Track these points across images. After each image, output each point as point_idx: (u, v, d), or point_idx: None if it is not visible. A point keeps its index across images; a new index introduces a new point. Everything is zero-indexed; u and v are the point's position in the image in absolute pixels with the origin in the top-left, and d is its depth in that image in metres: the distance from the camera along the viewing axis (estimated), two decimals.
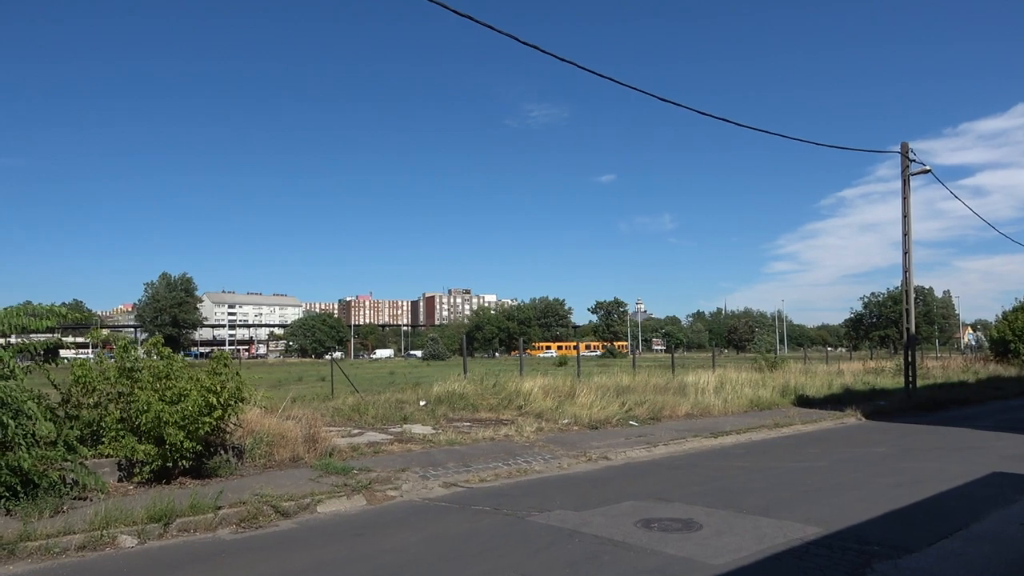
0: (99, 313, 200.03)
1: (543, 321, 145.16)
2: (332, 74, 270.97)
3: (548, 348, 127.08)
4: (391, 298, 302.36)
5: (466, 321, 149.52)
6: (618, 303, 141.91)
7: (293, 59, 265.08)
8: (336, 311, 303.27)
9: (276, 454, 10.58)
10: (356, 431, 14.05)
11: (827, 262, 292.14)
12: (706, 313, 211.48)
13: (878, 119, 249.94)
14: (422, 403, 18.53)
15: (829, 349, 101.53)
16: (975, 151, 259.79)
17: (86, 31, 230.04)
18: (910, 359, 22.56)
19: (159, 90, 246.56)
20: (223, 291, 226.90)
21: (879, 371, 31.36)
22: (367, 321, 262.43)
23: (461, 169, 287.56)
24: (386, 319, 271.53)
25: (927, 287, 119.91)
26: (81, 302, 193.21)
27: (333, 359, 26.18)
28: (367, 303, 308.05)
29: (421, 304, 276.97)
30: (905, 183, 22.84)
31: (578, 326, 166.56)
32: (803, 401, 20.58)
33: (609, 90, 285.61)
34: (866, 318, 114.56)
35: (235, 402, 9.92)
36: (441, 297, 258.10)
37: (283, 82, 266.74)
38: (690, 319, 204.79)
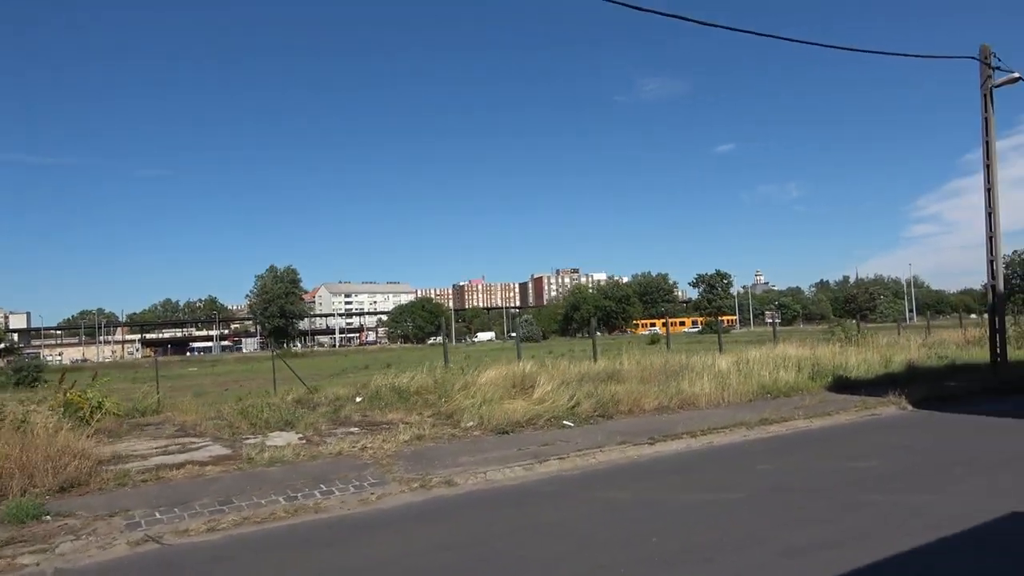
0: (231, 307, 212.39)
1: (647, 297, 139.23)
2: (434, 59, 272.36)
3: (652, 325, 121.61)
4: (503, 281, 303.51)
5: (561, 301, 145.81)
6: (721, 275, 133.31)
7: (392, 46, 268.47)
8: (450, 296, 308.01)
9: None
10: (199, 443, 11.40)
11: (975, 222, 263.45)
12: (831, 283, 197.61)
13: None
14: (358, 399, 15.88)
15: (973, 316, 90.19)
16: None
17: (183, 28, 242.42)
18: (997, 325, 17.43)
19: (275, 87, 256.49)
20: (339, 281, 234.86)
21: (982, 341, 25.52)
22: (480, 304, 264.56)
23: (570, 147, 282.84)
24: (498, 302, 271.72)
25: None
26: (215, 298, 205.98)
27: (274, 352, 23.90)
28: (479, 286, 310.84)
29: (530, 285, 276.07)
30: (986, 98, 17.58)
31: (689, 301, 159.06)
32: (840, 384, 16.11)
33: (724, 58, 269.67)
34: (1010, 279, 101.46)
35: None
36: (549, 278, 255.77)
37: (389, 72, 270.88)
38: (813, 289, 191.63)
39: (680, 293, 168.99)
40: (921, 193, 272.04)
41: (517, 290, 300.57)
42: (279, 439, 11.40)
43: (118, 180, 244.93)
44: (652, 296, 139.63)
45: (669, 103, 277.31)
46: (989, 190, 17.55)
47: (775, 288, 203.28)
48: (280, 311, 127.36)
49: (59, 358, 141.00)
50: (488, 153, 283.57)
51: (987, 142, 17.58)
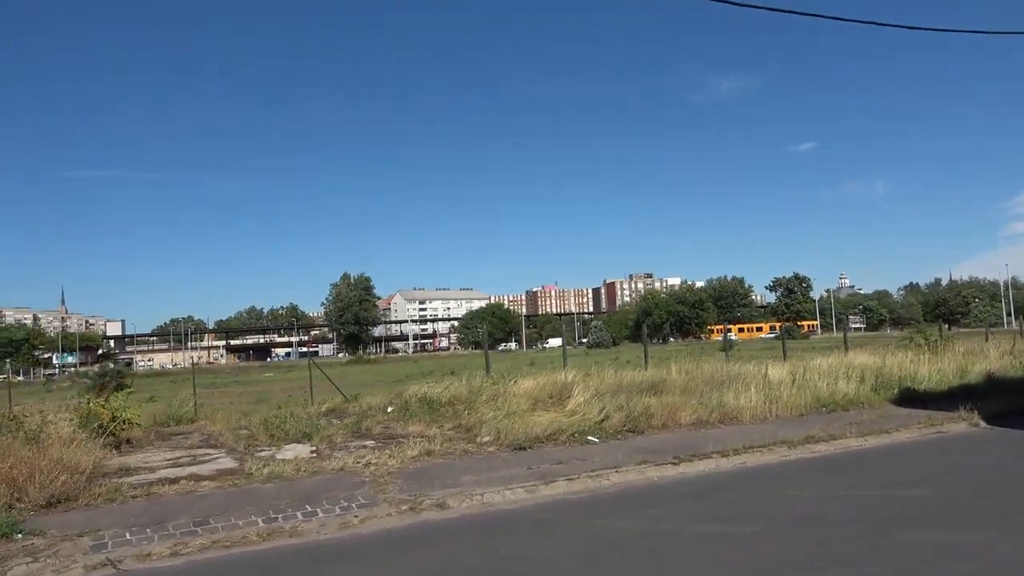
0: (311, 314, 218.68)
1: (722, 302, 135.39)
2: (506, 60, 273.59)
3: (728, 330, 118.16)
4: (576, 286, 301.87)
5: (632, 306, 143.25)
6: (800, 279, 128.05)
7: (470, 50, 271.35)
8: (523, 302, 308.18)
9: None
10: (212, 455, 11.18)
11: None
12: (922, 285, 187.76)
13: None
14: (389, 409, 15.56)
15: None
16: None
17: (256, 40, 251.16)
18: None
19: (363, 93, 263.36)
20: (414, 288, 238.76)
21: None
22: (553, 310, 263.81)
23: (644, 148, 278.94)
24: (571, 307, 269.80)
25: None
26: (296, 305, 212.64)
27: (311, 361, 23.72)
28: (552, 292, 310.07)
29: (603, 291, 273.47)
30: None
31: (766, 305, 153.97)
32: (907, 397, 14.65)
33: (804, 53, 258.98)
34: None
35: None
36: (622, 283, 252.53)
37: (461, 76, 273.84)
38: (902, 292, 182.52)
39: (758, 298, 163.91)
40: (1020, 188, 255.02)
41: (590, 295, 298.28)
42: (290, 452, 11.04)
43: (202, 190, 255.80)
44: (727, 301, 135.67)
45: (744, 102, 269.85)
46: None
47: (861, 292, 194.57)
48: (354, 318, 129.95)
49: (150, 363, 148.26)
50: (562, 155, 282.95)
51: None
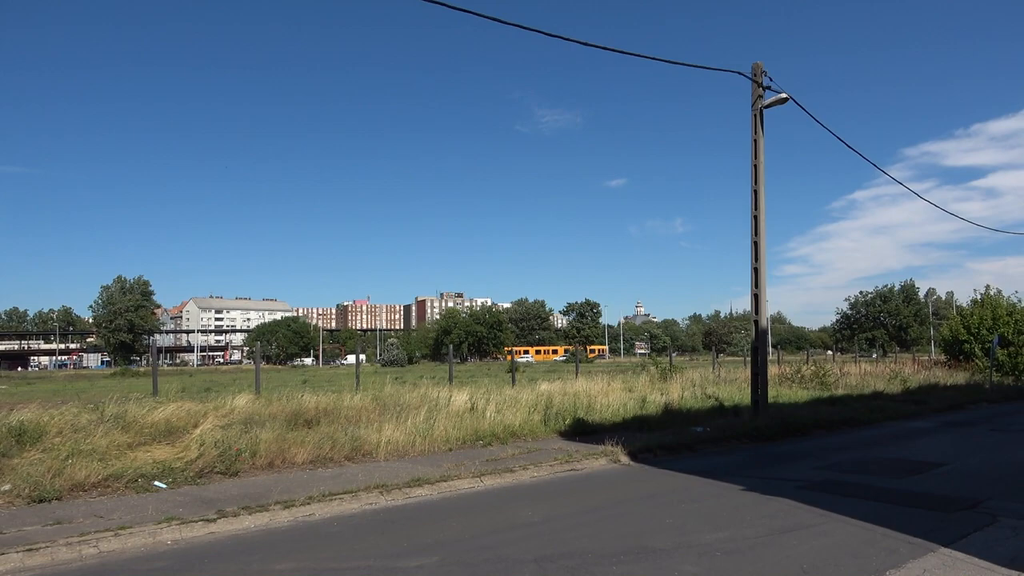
0: (88, 320, 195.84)
1: (524, 324, 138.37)
2: (340, 77, 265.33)
3: (526, 352, 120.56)
4: (390, 302, 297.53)
5: (433, 325, 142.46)
6: (590, 304, 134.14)
7: (293, 62, 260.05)
8: (334, 316, 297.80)
9: None
10: None
11: (838, 265, 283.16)
12: (704, 316, 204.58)
13: (890, 120, 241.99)
14: None
15: (829, 352, 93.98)
16: (987, 152, 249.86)
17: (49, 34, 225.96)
18: (759, 364, 15.96)
19: (161, 96, 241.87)
20: (210, 296, 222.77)
21: (782, 379, 24.65)
22: (364, 325, 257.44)
23: (471, 174, 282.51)
24: (383, 324, 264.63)
25: (918, 287, 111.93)
26: (70, 308, 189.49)
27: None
28: (364, 307, 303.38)
29: (413, 308, 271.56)
30: (756, 118, 16.29)
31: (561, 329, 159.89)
32: (577, 428, 14.03)
33: (619, 93, 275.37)
34: (855, 319, 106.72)
35: None
36: (432, 301, 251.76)
37: (284, 87, 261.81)
38: (686, 322, 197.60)
39: (561, 321, 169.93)
40: (794, 235, 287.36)
41: (401, 312, 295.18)
42: None
43: None
44: (529, 323, 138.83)
45: (567, 135, 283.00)
46: (756, 217, 16.18)
47: (654, 319, 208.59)
48: (128, 325, 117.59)
49: None
50: (382, 173, 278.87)
51: (755, 166, 16.25)
